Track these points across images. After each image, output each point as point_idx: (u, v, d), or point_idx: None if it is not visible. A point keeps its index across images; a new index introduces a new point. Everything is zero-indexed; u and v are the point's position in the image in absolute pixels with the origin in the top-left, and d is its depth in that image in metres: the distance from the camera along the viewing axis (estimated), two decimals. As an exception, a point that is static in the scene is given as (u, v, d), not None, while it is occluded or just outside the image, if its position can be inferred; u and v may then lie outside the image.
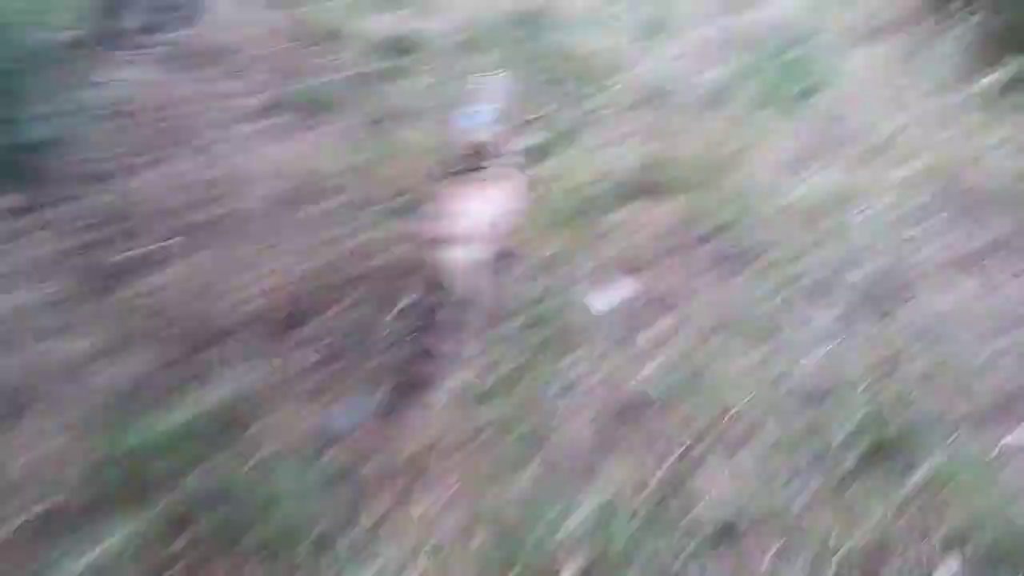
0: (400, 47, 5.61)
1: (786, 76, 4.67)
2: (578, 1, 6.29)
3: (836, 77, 4.69)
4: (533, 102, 4.71)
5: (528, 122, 4.36)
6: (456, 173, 2.76)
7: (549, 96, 4.85)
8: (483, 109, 2.90)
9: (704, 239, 3.36)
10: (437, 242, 2.56)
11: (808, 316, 2.96)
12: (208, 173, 4.02)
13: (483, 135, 2.82)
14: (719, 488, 2.39)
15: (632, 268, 3.23)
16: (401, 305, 2.98)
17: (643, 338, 2.89)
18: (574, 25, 5.91)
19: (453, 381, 2.72)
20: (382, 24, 6.05)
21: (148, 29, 6.09)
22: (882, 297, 3.03)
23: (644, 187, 3.72)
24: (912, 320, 2.93)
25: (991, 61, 4.60)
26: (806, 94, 4.50)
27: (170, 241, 3.47)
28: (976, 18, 4.96)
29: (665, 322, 2.94)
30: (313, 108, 4.73)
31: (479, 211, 2.65)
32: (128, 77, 5.26)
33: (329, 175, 3.95)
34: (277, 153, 4.20)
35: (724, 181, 3.74)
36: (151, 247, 3.44)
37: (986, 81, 4.42)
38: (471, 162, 2.77)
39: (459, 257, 2.55)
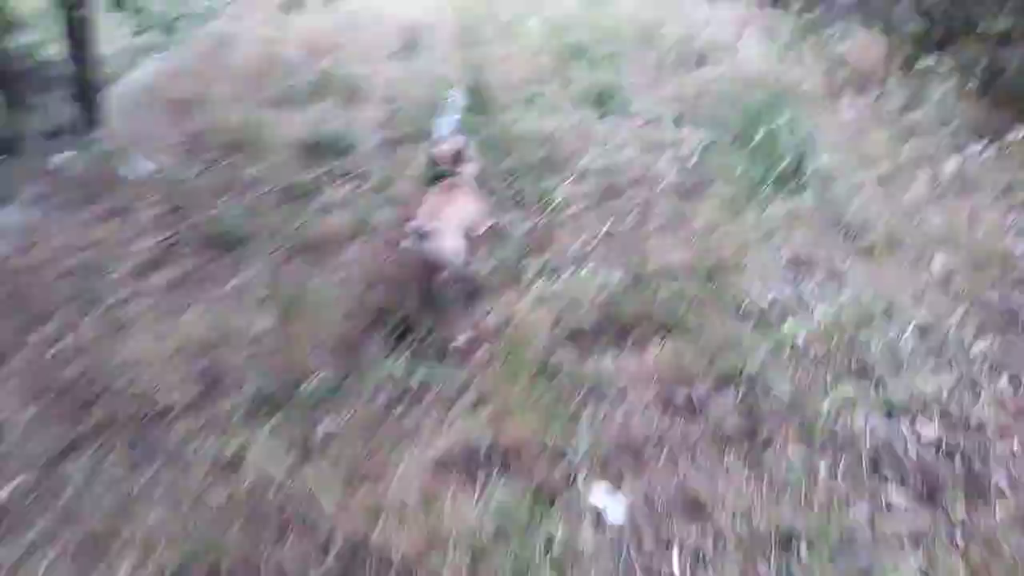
0: (321, 150, 4.85)
1: (766, 150, 4.03)
2: (512, 78, 5.64)
3: (821, 147, 4.07)
4: (490, 203, 4.01)
5: (489, 232, 3.67)
6: (435, 180, 3.28)
7: (507, 195, 4.15)
8: (451, 120, 3.59)
9: (717, 398, 2.62)
10: (421, 230, 2.94)
11: (881, 503, 2.22)
12: (86, 362, 3.16)
13: (458, 143, 3.39)
14: None
15: (637, 451, 2.49)
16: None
17: (676, 564, 2.13)
18: (517, 104, 5.24)
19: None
20: (300, 124, 5.31)
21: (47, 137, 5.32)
22: (961, 472, 2.27)
23: (631, 320, 2.99)
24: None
25: (986, 128, 4.02)
26: (792, 172, 3.85)
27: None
28: (953, 80, 4.38)
29: (698, 534, 2.19)
30: (220, 245, 3.90)
31: (455, 206, 3.13)
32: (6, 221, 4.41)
33: (238, 350, 3.13)
34: (174, 324, 3.33)
35: (722, 306, 3.03)
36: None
37: (986, 153, 3.82)
38: (450, 167, 3.30)
39: (442, 243, 2.96)
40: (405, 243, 3.08)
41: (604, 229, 3.72)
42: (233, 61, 6.64)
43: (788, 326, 2.84)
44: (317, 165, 4.69)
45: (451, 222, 3.02)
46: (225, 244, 3.92)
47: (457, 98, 3.80)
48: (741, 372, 2.68)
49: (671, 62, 5.63)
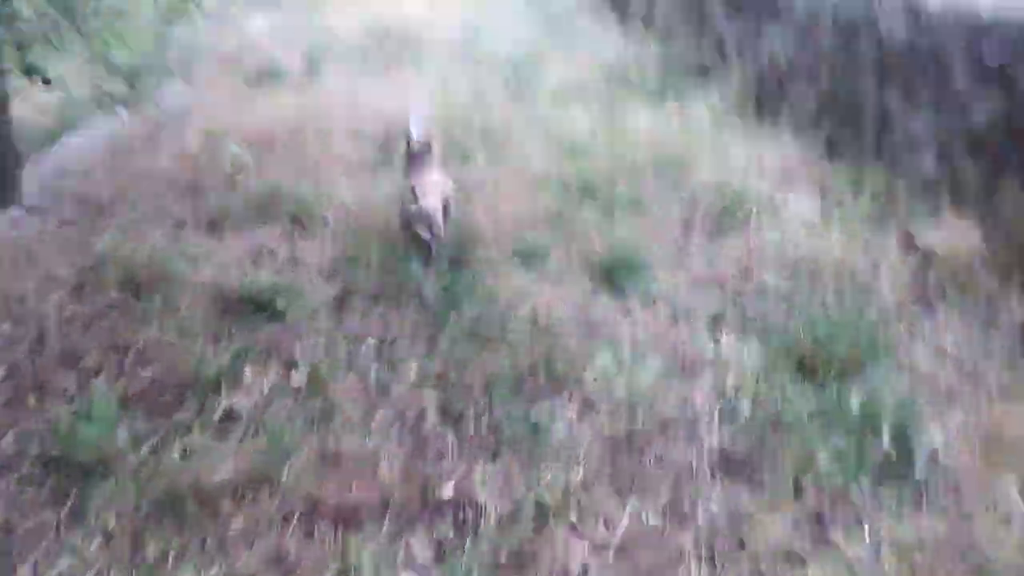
0: (245, 309, 3.58)
1: (850, 408, 2.81)
2: (504, 220, 4.36)
3: (928, 410, 2.87)
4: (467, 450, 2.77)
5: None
6: (415, 160, 4.06)
7: (480, 429, 2.89)
8: (419, 120, 4.23)
9: None
10: (413, 192, 3.80)
11: None
12: None
13: (427, 135, 4.15)
14: None
15: None
16: None
17: None
18: (507, 263, 4.00)
19: None
20: (227, 261, 4.02)
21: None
22: None
23: None
24: None
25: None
26: (895, 457, 2.63)
27: None
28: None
29: None
30: (62, 475, 2.61)
31: (431, 178, 3.97)
32: None
33: None
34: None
35: None
36: None
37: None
38: (424, 149, 4.08)
39: (427, 202, 3.79)
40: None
41: (621, 529, 2.46)
42: (171, 151, 5.38)
43: None
44: (235, 334, 3.42)
45: (431, 188, 3.86)
46: (70, 475, 2.64)
47: (419, 109, 4.65)
48: None
49: (704, 219, 4.42)
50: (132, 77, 6.94)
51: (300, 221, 4.41)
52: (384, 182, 4.85)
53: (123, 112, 6.53)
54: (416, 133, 4.11)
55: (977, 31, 3.97)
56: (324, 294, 3.75)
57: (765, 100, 5.71)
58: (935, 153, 4.21)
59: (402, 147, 4.20)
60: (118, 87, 6.73)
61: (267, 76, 7.48)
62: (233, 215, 4.45)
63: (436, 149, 4.16)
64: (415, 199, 3.75)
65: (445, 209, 3.95)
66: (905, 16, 4.41)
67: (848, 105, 4.92)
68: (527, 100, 6.30)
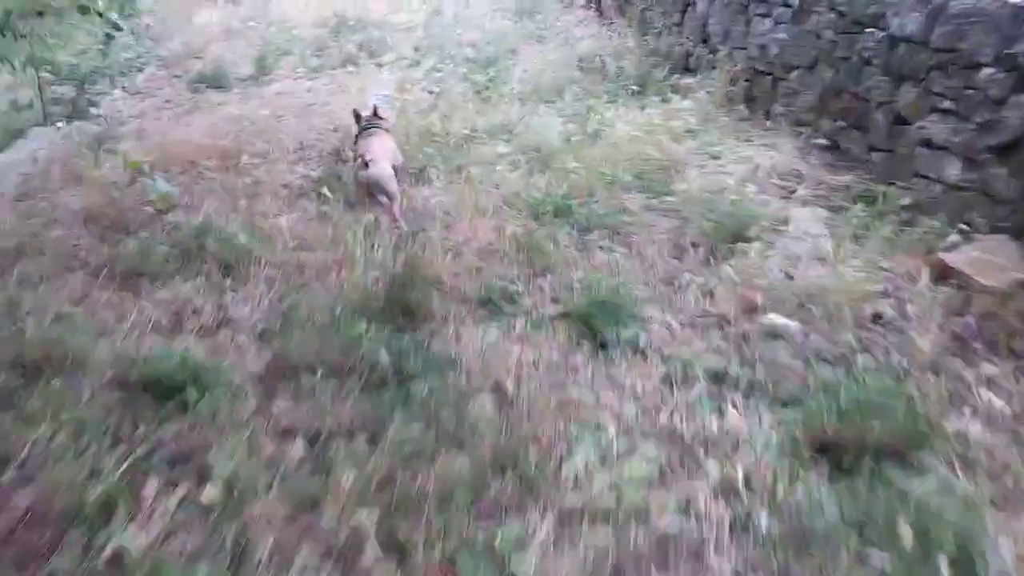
0: (153, 395, 2.90)
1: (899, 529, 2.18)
2: (466, 250, 3.72)
3: (986, 516, 2.25)
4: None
5: None
6: (366, 127, 4.46)
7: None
8: (382, 93, 5.11)
9: None
10: (364, 160, 4.05)
11: None
12: None
13: (380, 105, 4.63)
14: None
15: None
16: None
17: None
18: (468, 310, 3.35)
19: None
20: (139, 330, 3.33)
21: None
22: None
23: None
24: None
25: None
26: (953, 562, 2.01)
27: None
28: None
29: None
30: None
31: (382, 145, 4.28)
32: None
33: None
34: None
35: None
36: None
37: None
38: (376, 119, 4.50)
39: (378, 167, 4.03)
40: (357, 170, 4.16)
41: None
42: (94, 182, 4.65)
43: None
44: (138, 434, 2.75)
45: (382, 154, 4.17)
46: None
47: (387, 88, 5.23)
48: None
49: (697, 241, 3.75)
50: (75, 83, 6.33)
51: (231, 268, 3.73)
52: (329, 210, 4.17)
53: (62, 125, 5.92)
54: (370, 109, 4.50)
55: (1006, 20, 3.27)
56: (251, 366, 3.08)
57: (757, 96, 5.01)
58: (960, 160, 3.53)
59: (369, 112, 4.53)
60: (63, 92, 6.16)
61: (211, 80, 6.73)
62: (154, 263, 3.77)
63: (387, 120, 4.53)
64: (366, 166, 3.98)
65: (395, 172, 4.17)
66: (918, 3, 3.71)
67: (852, 103, 4.23)
68: (494, 102, 5.59)
